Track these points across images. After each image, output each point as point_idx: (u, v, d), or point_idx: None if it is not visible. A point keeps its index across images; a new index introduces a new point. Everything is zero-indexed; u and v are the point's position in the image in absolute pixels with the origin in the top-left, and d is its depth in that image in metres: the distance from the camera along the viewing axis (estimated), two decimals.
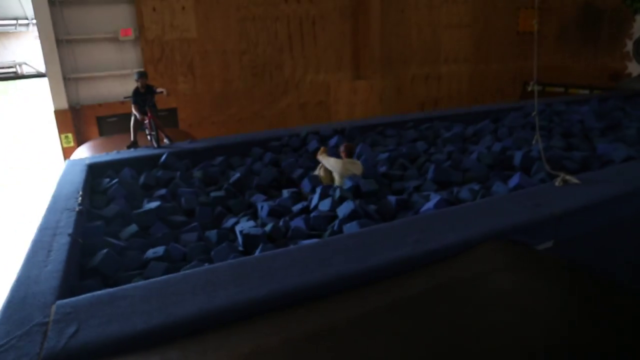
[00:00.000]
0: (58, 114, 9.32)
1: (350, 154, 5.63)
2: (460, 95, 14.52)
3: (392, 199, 4.75)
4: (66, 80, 9.46)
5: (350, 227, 3.95)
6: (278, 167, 6.86)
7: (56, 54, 9.15)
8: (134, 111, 7.33)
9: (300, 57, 12.07)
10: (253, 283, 2.83)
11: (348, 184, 5.02)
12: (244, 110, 11.60)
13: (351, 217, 4.20)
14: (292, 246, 3.33)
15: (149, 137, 7.25)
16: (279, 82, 11.93)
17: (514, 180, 4.80)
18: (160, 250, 3.93)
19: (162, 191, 5.91)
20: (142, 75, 7.23)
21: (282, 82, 11.98)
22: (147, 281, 2.93)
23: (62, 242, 3.66)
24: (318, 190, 4.91)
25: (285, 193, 5.80)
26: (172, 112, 10.85)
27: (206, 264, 3.58)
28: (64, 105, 9.34)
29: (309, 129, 8.15)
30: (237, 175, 6.21)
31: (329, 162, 5.54)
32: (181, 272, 3.04)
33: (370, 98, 12.17)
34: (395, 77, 13.10)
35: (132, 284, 2.90)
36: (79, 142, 9.64)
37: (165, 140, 7.64)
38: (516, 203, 4.03)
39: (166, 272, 3.57)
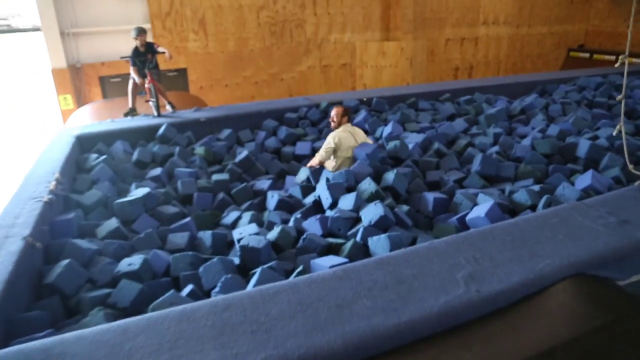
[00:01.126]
0: (56, 73, 8.49)
1: (343, 120, 4.81)
2: (497, 61, 13.16)
3: (429, 197, 3.84)
4: (64, 35, 8.57)
5: (379, 244, 3.08)
6: (294, 144, 5.97)
7: (52, 6, 8.22)
8: (132, 74, 6.44)
9: (324, 14, 10.87)
10: (239, 344, 2.00)
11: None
12: (261, 72, 10.59)
13: (379, 224, 3.32)
14: (300, 279, 2.48)
15: (151, 104, 6.38)
16: (300, 41, 10.81)
17: (584, 181, 3.82)
18: (137, 261, 3.13)
19: (157, 171, 5.10)
20: (141, 32, 6.29)
21: (304, 41, 10.86)
22: (97, 329, 2.14)
23: (11, 250, 2.89)
24: (323, 185, 4.00)
25: (295, 180, 4.95)
26: (182, 73, 9.93)
27: (185, 295, 2.78)
28: (62, 63, 8.50)
29: (330, 97, 7.16)
30: (245, 153, 5.34)
31: (320, 156, 4.79)
32: (146, 316, 2.23)
33: (400, 62, 10.98)
34: (429, 39, 11.81)
35: (76, 334, 2.10)
36: (80, 104, 8.85)
37: (168, 108, 6.77)
38: (595, 218, 3.08)
39: (138, 297, 2.79)
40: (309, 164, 5.18)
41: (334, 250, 3.32)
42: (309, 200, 4.35)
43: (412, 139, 5.24)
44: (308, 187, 4.59)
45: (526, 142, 4.94)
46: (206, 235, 3.66)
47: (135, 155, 5.40)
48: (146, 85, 6.33)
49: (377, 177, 4.23)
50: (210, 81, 10.12)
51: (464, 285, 2.40)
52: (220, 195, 4.80)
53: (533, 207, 3.61)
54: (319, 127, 6.38)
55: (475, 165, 4.21)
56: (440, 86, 7.91)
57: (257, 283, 2.68)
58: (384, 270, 2.54)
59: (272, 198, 4.42)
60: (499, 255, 2.68)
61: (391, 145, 4.99)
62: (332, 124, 4.93)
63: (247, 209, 4.56)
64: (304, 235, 3.32)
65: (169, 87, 9.54)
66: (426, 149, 5.17)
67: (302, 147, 5.74)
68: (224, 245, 3.65)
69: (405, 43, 10.95)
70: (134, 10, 9.16)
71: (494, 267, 2.57)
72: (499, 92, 7.79)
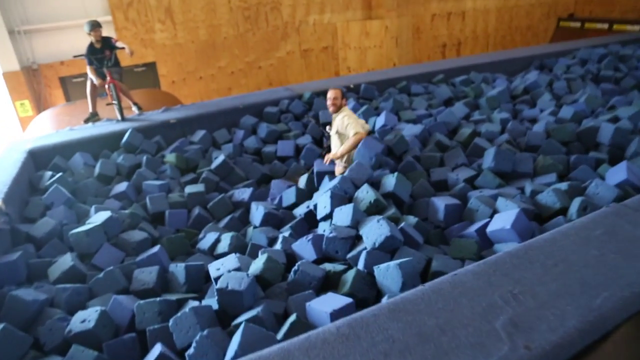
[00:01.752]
0: (8, 77, 7.68)
1: (343, 102, 4.19)
2: (486, 35, 12.55)
3: (439, 204, 3.27)
4: (14, 34, 7.74)
5: (387, 275, 2.51)
6: (276, 142, 5.35)
7: None
8: (89, 74, 5.72)
9: None
10: None
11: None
12: (236, 61, 9.85)
13: (385, 246, 2.74)
14: (294, 344, 1.90)
15: (115, 108, 5.68)
16: (276, 25, 10.07)
17: (618, 174, 3.28)
18: (93, 315, 2.53)
19: (122, 186, 4.46)
20: (94, 26, 5.55)
21: (281, 25, 10.12)
22: None
23: None
24: (326, 194, 3.42)
25: (281, 185, 4.36)
26: (151, 67, 9.16)
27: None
28: (15, 65, 7.68)
29: (313, 86, 6.51)
30: (222, 158, 4.71)
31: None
32: None
33: (385, 41, 10.31)
34: (414, 15, 11.14)
35: None
36: (41, 109, 8.08)
37: (134, 109, 6.09)
38: None
39: None
40: (329, 157, 4.20)
41: (333, 282, 2.75)
42: (300, 211, 3.76)
43: (409, 131, 4.65)
44: (299, 194, 4.00)
45: (539, 127, 4.39)
46: (179, 270, 3.06)
47: (97, 169, 4.74)
48: (106, 86, 5.62)
49: (374, 181, 3.65)
50: (182, 74, 9.37)
51: (507, 338, 1.85)
52: (196, 210, 4.19)
53: (563, 211, 3.06)
54: (303, 121, 5.76)
55: (488, 161, 3.64)
56: (431, 66, 7.30)
57: (241, 345, 2.10)
58: (401, 321, 1.97)
59: (257, 211, 3.83)
60: (542, 288, 2.13)
61: (387, 139, 4.40)
62: (332, 108, 4.18)
63: (227, 226, 3.97)
64: (296, 267, 2.73)
65: (137, 84, 8.81)
66: (426, 142, 4.58)
67: (284, 147, 5.13)
68: (200, 279, 3.06)
69: (390, 21, 10.27)
70: (91, 2, 8.34)
71: (540, 306, 2.01)
72: (495, 70, 7.22)
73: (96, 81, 5.67)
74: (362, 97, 6.12)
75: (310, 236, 3.10)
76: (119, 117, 5.62)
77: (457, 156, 4.09)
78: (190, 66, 9.42)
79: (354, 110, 5.45)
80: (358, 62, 10.67)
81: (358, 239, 3.04)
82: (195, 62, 9.45)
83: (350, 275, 2.66)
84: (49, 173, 4.58)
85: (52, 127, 6.44)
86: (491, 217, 3.10)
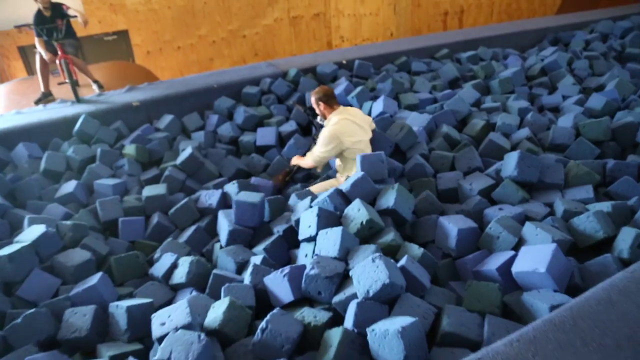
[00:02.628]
0: None
1: (329, 104, 3.51)
2: (490, 2, 11.60)
3: (451, 229, 2.61)
4: None
5: (385, 344, 1.87)
6: (255, 129, 4.61)
7: None
8: (38, 47, 4.90)
9: None
10: None
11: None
12: (218, 29, 8.94)
13: (381, 296, 2.09)
14: None
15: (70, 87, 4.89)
16: None
17: None
18: None
19: (70, 186, 3.75)
20: None
21: None
22: None
23: None
24: (312, 210, 2.75)
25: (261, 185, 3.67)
26: (122, 36, 8.25)
27: None
28: None
29: (300, 60, 5.71)
30: (189, 151, 3.99)
31: (316, 159, 3.54)
32: None
33: (382, 8, 9.40)
34: None
35: None
36: None
37: (94, 88, 5.30)
38: None
39: None
40: (294, 161, 3.88)
41: (313, 339, 2.11)
42: (279, 227, 3.08)
43: (414, 121, 3.94)
44: (276, 202, 3.31)
45: (565, 122, 3.69)
46: (120, 312, 2.40)
47: (42, 164, 4.01)
48: (57, 62, 4.81)
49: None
50: (158, 44, 8.48)
51: None
52: (155, 218, 3.50)
53: (606, 240, 2.42)
54: (288, 103, 5.00)
55: (509, 168, 2.95)
56: (433, 39, 6.49)
57: None
58: None
59: (223, 227, 3.14)
60: None
61: (392, 133, 3.70)
62: (319, 116, 3.63)
63: (191, 240, 3.29)
64: (264, 324, 2.07)
65: (107, 55, 7.94)
66: (431, 134, 3.88)
67: (265, 135, 4.40)
68: (145, 324, 2.40)
69: None
70: None
71: None
72: (505, 44, 6.44)
73: (46, 56, 4.86)
74: (356, 75, 5.35)
75: (286, 270, 2.44)
76: (75, 99, 4.83)
77: (470, 157, 3.40)
78: (166, 35, 8.51)
79: (346, 91, 4.70)
80: (352, 32, 9.78)
81: (347, 277, 2.38)
82: (173, 30, 8.54)
83: (335, 335, 2.01)
84: None
85: (5, 105, 5.66)
86: (515, 247, 2.46)
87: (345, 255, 2.49)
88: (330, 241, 2.53)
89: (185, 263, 2.82)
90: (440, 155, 3.50)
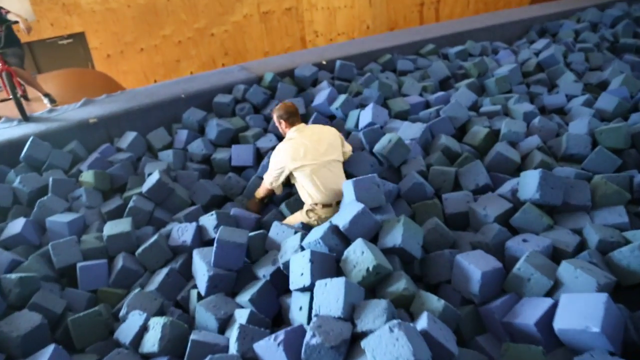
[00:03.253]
0: None
1: (290, 122, 3.16)
2: None
3: (471, 270, 2.22)
4: None
5: None
6: (230, 145, 4.12)
7: None
8: None
9: None
10: None
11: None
12: (184, 28, 8.33)
13: None
14: None
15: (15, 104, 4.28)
16: None
17: None
18: None
19: (17, 225, 3.21)
20: None
21: None
22: None
23: None
24: (304, 255, 2.32)
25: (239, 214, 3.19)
26: (78, 39, 7.56)
27: None
28: None
29: (276, 62, 5.22)
30: (156, 177, 3.48)
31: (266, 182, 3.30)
32: None
33: (357, 1, 8.95)
34: None
35: None
36: None
37: (46, 102, 4.70)
38: None
39: None
40: (258, 194, 3.48)
41: None
42: (265, 270, 2.63)
43: (406, 132, 3.53)
44: (257, 238, 2.85)
45: (578, 128, 3.33)
46: None
47: None
48: None
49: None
50: (118, 46, 7.82)
51: None
52: (120, 261, 3.00)
53: None
54: (265, 112, 4.52)
55: (530, 191, 2.56)
56: (416, 33, 6.08)
57: None
58: None
59: (201, 270, 2.67)
60: None
61: (380, 146, 3.27)
62: (283, 127, 3.23)
63: (163, 286, 2.81)
64: None
65: (62, 61, 7.27)
66: (428, 147, 3.48)
67: (240, 154, 3.92)
68: None
69: None
70: None
71: None
72: (490, 37, 6.09)
73: None
74: (338, 77, 4.90)
75: (281, 336, 1.99)
76: (21, 117, 4.24)
77: (476, 172, 3.01)
78: (127, 36, 7.86)
79: (329, 99, 4.25)
80: (326, 25, 9.31)
81: (355, 341, 1.96)
82: (134, 30, 7.89)
83: None
84: None
85: None
86: (550, 292, 2.08)
87: (350, 312, 2.06)
88: (331, 296, 2.10)
89: (157, 326, 2.34)
90: (440, 171, 3.10)
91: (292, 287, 2.38)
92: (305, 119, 4.27)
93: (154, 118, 4.42)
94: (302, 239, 2.58)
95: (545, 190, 2.52)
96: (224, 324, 2.43)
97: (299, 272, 2.33)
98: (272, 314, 2.54)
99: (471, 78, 4.53)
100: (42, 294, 2.72)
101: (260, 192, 3.45)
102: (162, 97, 4.54)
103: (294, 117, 3.15)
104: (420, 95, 4.36)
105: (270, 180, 3.17)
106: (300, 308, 2.31)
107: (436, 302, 2.05)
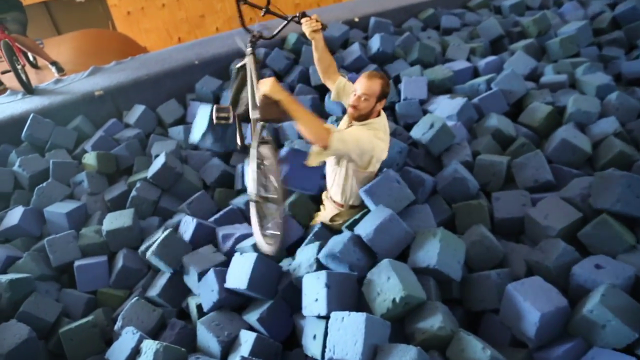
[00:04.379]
0: None
1: (378, 106, 2.16)
2: None
3: (527, 310, 1.76)
4: None
5: None
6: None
7: None
8: None
9: None
10: None
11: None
12: None
13: None
14: None
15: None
16: None
17: None
18: None
19: (15, 216, 2.95)
20: None
21: None
22: None
23: None
24: (319, 277, 1.92)
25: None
26: None
27: None
28: None
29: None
30: (162, 160, 3.10)
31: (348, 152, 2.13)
32: None
33: None
34: None
35: None
36: None
37: (54, 71, 4.37)
38: None
39: None
40: (286, 102, 2.04)
41: None
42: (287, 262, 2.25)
43: (446, 109, 2.97)
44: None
45: (602, 127, 2.67)
46: None
47: None
48: None
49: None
50: (139, 2, 7.34)
51: None
52: (120, 260, 2.70)
53: None
54: (288, 80, 4.00)
55: (610, 198, 1.99)
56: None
57: None
58: None
59: (210, 286, 2.29)
60: None
61: (419, 131, 2.75)
62: (353, 111, 2.15)
63: (164, 292, 2.49)
64: None
65: (81, 21, 6.90)
66: (474, 129, 2.92)
67: None
68: None
69: None
70: None
71: None
72: None
73: None
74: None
75: None
76: (24, 90, 3.93)
77: (537, 165, 2.46)
78: None
79: (361, 64, 3.69)
80: None
81: None
82: None
83: None
84: None
85: None
86: (633, 345, 1.60)
87: (371, 358, 1.66)
88: (348, 336, 1.70)
89: (149, 352, 2.02)
90: (489, 161, 2.56)
91: (305, 312, 1.99)
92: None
93: (165, 88, 4.01)
94: (319, 250, 2.16)
95: (629, 199, 1.97)
96: (228, 347, 2.10)
97: (313, 296, 1.94)
98: (283, 335, 2.19)
99: (529, 38, 3.81)
100: (35, 299, 2.46)
101: (296, 115, 1.97)
102: (174, 63, 4.10)
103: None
104: (468, 60, 3.72)
105: (343, 148, 2.04)
106: (315, 337, 1.94)
107: (480, 352, 1.61)
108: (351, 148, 2.06)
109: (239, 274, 2.16)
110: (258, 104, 2.22)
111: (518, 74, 3.11)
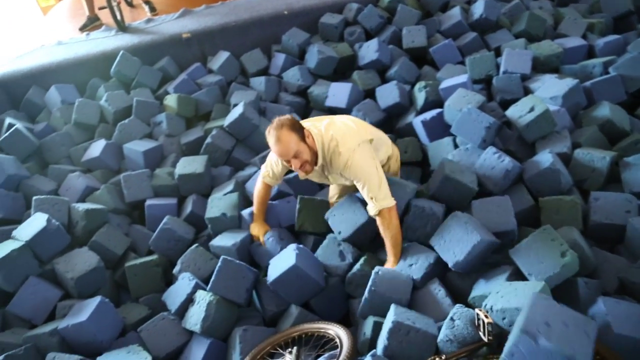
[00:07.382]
0: None
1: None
2: None
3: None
4: None
5: None
6: (334, 78, 3.53)
7: None
8: None
9: None
10: None
11: None
12: None
13: None
14: None
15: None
16: None
17: None
18: None
19: (97, 148, 3.17)
20: None
21: None
22: None
23: None
24: None
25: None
26: None
27: None
28: None
29: None
30: (240, 110, 3.08)
31: None
32: None
33: None
34: None
35: None
36: None
37: (146, 10, 4.46)
38: None
39: None
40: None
41: None
42: (340, 264, 2.15)
43: (550, 90, 2.63)
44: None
45: None
46: None
47: (74, 114, 3.36)
48: None
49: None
50: None
51: None
52: (189, 206, 2.75)
53: None
54: (382, 37, 3.74)
55: None
56: None
57: None
58: None
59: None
60: None
61: (515, 112, 2.47)
62: (304, 172, 2.01)
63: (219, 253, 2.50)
64: None
65: None
66: (579, 118, 2.58)
67: (337, 93, 3.28)
68: None
69: None
70: None
71: None
72: None
73: None
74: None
75: None
76: (117, 27, 4.03)
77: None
78: None
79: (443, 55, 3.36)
80: None
81: None
82: None
83: None
84: (8, 120, 3.29)
85: (71, 20, 5.01)
86: None
87: None
88: None
89: (202, 302, 2.04)
90: (590, 156, 2.24)
91: None
92: (424, 52, 3.50)
93: (251, 36, 3.95)
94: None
95: None
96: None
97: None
98: None
99: None
100: (107, 230, 2.58)
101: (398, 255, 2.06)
102: (263, 12, 4.00)
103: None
104: (583, 37, 3.27)
105: (388, 202, 1.94)
106: None
107: None
108: (386, 191, 1.95)
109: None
110: None
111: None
